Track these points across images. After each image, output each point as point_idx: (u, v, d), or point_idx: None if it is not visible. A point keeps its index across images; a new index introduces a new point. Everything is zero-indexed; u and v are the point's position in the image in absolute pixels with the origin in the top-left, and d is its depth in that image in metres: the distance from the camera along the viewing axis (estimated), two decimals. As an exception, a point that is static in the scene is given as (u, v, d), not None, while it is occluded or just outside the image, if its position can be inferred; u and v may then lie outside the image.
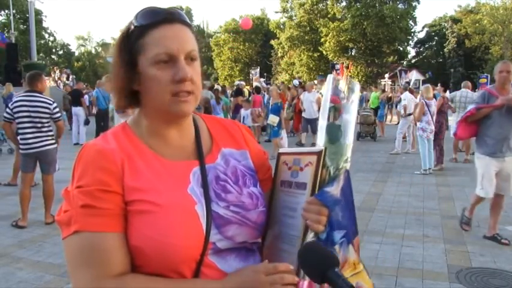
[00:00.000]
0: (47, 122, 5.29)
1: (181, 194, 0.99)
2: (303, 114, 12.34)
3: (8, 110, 5.23)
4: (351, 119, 1.10)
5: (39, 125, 5.21)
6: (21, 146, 5.24)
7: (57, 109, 5.36)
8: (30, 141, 5.19)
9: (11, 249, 4.58)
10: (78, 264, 0.94)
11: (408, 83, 17.35)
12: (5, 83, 13.41)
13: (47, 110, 5.22)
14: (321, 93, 13.90)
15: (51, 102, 5.28)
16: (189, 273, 0.97)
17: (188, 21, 1.05)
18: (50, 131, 5.34)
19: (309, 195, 1.04)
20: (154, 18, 0.99)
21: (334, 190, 1.04)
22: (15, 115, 5.15)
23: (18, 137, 5.25)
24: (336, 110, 1.09)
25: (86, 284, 0.93)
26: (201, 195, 1.01)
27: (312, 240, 1.02)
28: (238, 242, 1.04)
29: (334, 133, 1.07)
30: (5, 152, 10.68)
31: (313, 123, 11.66)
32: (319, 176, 1.04)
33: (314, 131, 11.59)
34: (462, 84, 10.08)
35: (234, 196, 1.06)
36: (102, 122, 11.94)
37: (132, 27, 1.01)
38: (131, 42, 1.01)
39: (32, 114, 5.16)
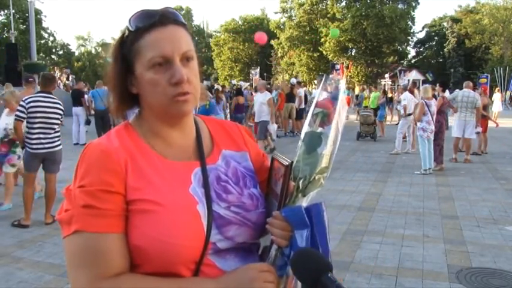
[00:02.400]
0: (58, 124, 5.39)
1: (183, 194, 1.00)
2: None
3: (21, 108, 5.16)
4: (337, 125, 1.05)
5: (55, 126, 5.29)
6: (32, 146, 5.20)
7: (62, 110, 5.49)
8: (44, 141, 5.21)
9: (11, 249, 4.57)
10: (77, 264, 0.94)
11: (415, 82, 17.31)
12: (5, 83, 13.41)
13: (61, 112, 5.35)
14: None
15: (61, 104, 5.39)
16: (189, 272, 0.97)
17: (182, 20, 1.04)
18: (58, 131, 5.43)
19: (277, 208, 1.05)
20: (147, 22, 0.99)
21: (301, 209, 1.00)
22: (30, 114, 5.13)
23: (29, 136, 5.21)
24: (325, 115, 1.04)
25: (83, 283, 0.93)
26: (202, 195, 1.01)
27: (274, 254, 1.02)
28: (238, 243, 1.05)
29: (313, 142, 1.03)
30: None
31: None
32: (285, 189, 1.03)
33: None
34: (464, 84, 10.08)
35: (235, 197, 1.06)
36: (102, 121, 11.93)
37: (127, 32, 1.02)
38: (127, 47, 1.02)
39: (49, 115, 5.22)
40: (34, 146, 5.20)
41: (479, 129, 10.24)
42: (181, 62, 0.99)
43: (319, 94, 1.08)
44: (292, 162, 1.03)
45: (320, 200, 1.02)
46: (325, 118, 1.04)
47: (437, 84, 10.71)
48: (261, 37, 21.95)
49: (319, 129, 1.04)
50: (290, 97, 14.68)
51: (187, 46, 1.01)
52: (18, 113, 5.19)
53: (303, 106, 15.06)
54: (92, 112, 12.95)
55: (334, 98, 1.06)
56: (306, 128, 1.06)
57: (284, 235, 1.01)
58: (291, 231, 1.01)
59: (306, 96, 16.09)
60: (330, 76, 1.11)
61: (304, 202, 1.03)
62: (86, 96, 13.07)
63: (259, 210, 1.08)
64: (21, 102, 5.22)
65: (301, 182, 1.02)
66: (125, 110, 1.09)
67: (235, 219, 1.04)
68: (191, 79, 1.01)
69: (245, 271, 0.99)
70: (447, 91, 13.66)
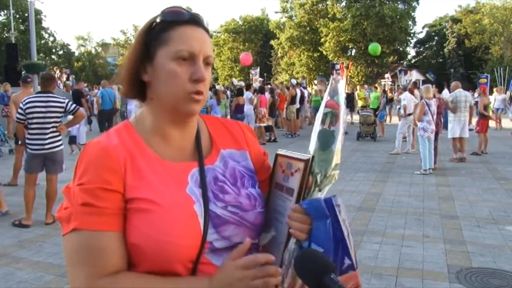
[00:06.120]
0: (59, 123, 5.36)
1: (181, 194, 1.00)
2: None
3: (20, 110, 5.18)
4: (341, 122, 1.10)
5: (55, 124, 5.27)
6: (32, 147, 5.20)
7: (70, 103, 5.44)
8: (44, 141, 5.20)
9: (11, 249, 4.57)
10: (75, 261, 0.95)
11: (415, 82, 17.24)
12: (4, 83, 13.44)
13: (61, 110, 5.30)
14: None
15: (63, 100, 5.35)
16: (186, 271, 0.98)
17: (208, 29, 1.09)
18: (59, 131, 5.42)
19: (294, 202, 1.05)
20: (181, 17, 1.03)
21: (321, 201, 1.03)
22: (28, 115, 5.13)
23: (29, 137, 5.22)
24: (333, 115, 1.08)
25: (80, 281, 0.94)
26: (199, 195, 1.02)
27: (293, 247, 1.03)
28: (235, 242, 1.05)
29: (327, 139, 1.06)
30: (6, 152, 10.68)
31: None
32: (305, 183, 1.04)
33: None
34: (456, 84, 10.02)
35: (232, 197, 1.06)
36: (107, 122, 11.92)
37: (158, 20, 1.04)
38: (154, 33, 1.03)
39: (48, 114, 5.19)
40: (34, 147, 5.20)
41: (472, 126, 10.34)
42: (202, 63, 1.03)
43: (327, 95, 1.11)
44: (313, 156, 1.05)
45: (333, 193, 1.05)
46: (333, 118, 1.08)
47: (433, 85, 10.67)
48: (247, 58, 21.81)
49: (331, 128, 1.08)
50: (293, 99, 14.72)
51: (211, 52, 1.05)
52: (18, 115, 5.23)
53: (298, 106, 15.10)
54: (95, 112, 12.98)
55: (335, 98, 1.10)
56: (319, 126, 1.09)
57: (303, 228, 1.02)
58: (310, 224, 1.02)
59: (302, 96, 16.09)
60: (338, 77, 1.13)
61: (321, 196, 1.06)
62: (96, 93, 13.10)
63: (257, 210, 1.08)
64: (20, 105, 5.25)
65: (318, 176, 1.05)
66: (134, 96, 1.10)
67: (232, 219, 1.04)
68: (207, 82, 1.04)
69: (231, 271, 0.96)
70: (446, 91, 13.63)
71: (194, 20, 1.03)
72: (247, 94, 13.02)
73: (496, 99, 17.54)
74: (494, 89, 20.09)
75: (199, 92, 1.02)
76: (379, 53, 22.65)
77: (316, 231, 1.01)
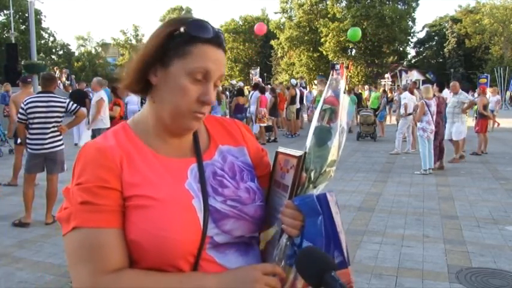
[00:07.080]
0: (60, 122, 5.35)
1: (179, 189, 1.01)
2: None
3: (21, 110, 5.19)
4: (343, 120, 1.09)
5: (56, 124, 5.27)
6: (32, 146, 5.20)
7: (71, 103, 5.43)
8: (46, 141, 5.20)
9: (11, 249, 4.57)
10: (77, 259, 0.96)
11: (415, 82, 17.11)
12: (4, 82, 13.44)
13: (62, 110, 5.30)
14: None
15: (64, 100, 5.36)
16: (187, 267, 0.98)
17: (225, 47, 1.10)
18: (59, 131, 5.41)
19: (288, 198, 1.06)
20: (205, 34, 1.02)
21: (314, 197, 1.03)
22: (29, 115, 5.13)
23: (29, 137, 5.22)
24: (333, 112, 1.07)
25: (83, 279, 0.94)
26: (198, 190, 1.03)
27: (285, 243, 1.03)
28: (235, 236, 1.05)
29: (323, 136, 1.06)
30: (6, 152, 10.68)
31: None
32: (297, 180, 1.05)
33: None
34: (454, 85, 10.00)
35: (231, 191, 1.07)
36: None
37: (182, 30, 1.02)
38: (174, 43, 1.01)
39: (49, 114, 5.19)
40: (34, 147, 5.20)
41: None
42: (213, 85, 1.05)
43: (326, 91, 1.11)
44: (305, 153, 1.05)
45: (328, 189, 1.04)
46: (332, 115, 1.07)
47: (434, 84, 10.64)
48: (260, 28, 22.02)
49: (329, 125, 1.07)
50: (293, 99, 14.77)
51: (223, 72, 1.06)
52: (19, 115, 5.25)
53: (298, 106, 15.11)
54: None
55: (337, 96, 1.09)
56: (315, 123, 1.09)
57: (295, 224, 1.02)
58: (302, 221, 1.02)
59: (301, 96, 16.09)
60: (338, 77, 1.13)
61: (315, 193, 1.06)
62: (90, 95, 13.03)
63: (256, 204, 1.09)
64: (21, 105, 5.25)
65: (312, 173, 1.04)
66: (137, 91, 1.10)
67: (232, 212, 1.05)
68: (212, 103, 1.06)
69: (248, 271, 1.00)
70: (446, 90, 13.61)
71: (217, 41, 1.03)
72: (255, 94, 13.02)
73: (490, 100, 17.40)
74: (488, 90, 19.75)
75: (202, 113, 1.04)
76: (359, 38, 21.32)
77: (308, 228, 1.01)
